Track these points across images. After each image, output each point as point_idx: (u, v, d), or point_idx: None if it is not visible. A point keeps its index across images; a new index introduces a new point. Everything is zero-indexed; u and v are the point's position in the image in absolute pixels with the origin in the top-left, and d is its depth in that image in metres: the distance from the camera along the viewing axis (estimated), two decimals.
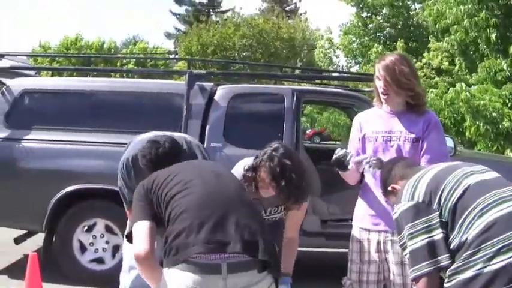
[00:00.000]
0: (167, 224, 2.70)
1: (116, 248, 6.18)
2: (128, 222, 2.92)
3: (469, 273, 2.39)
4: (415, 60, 16.93)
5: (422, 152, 3.59)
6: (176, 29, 46.86)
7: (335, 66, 22.86)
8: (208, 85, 6.55)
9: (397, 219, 2.70)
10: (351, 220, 3.84)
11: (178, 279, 2.54)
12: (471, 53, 11.20)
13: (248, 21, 30.96)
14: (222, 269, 2.53)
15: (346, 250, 3.83)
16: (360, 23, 20.79)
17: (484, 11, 9.85)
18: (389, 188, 3.06)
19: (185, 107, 6.21)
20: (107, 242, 6.22)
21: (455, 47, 10.86)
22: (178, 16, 46.60)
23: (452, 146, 6.01)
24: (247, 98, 6.62)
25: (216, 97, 6.41)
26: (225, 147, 6.17)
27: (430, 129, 3.61)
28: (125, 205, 3.98)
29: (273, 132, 6.25)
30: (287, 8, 46.61)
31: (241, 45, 29.19)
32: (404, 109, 3.66)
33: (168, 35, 47.45)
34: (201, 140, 6.09)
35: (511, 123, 9.38)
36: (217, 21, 36.11)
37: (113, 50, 39.78)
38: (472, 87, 10.48)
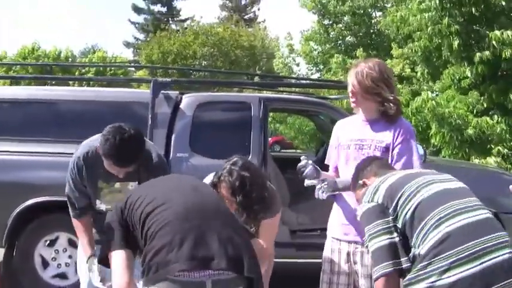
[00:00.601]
0: (145, 242, 2.56)
1: None
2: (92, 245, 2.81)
3: (421, 285, 2.39)
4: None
5: (392, 161, 3.52)
6: (135, 38, 46.56)
7: (296, 75, 22.90)
8: (173, 93, 6.40)
9: (360, 219, 2.74)
10: (321, 230, 3.77)
11: None
12: (434, 60, 11.28)
13: (207, 29, 30.85)
14: (207, 287, 2.41)
15: (320, 260, 3.74)
16: (321, 31, 20.86)
17: (447, 18, 9.92)
18: (361, 182, 3.05)
19: (150, 116, 6.04)
20: (70, 257, 6.00)
21: (419, 54, 10.91)
22: (137, 25, 46.26)
23: (423, 153, 5.99)
24: (214, 107, 6.50)
25: (181, 106, 6.27)
26: (191, 157, 6.02)
27: (400, 138, 3.54)
28: (71, 213, 3.80)
29: (240, 141, 6.19)
30: (246, 17, 46.70)
31: (202, 54, 29.07)
32: (378, 117, 3.60)
33: (127, 44, 47.08)
34: (167, 150, 5.95)
35: (475, 131, 9.46)
36: (178, 30, 35.97)
37: (70, 59, 39.27)
38: (435, 94, 10.55)
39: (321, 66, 21.88)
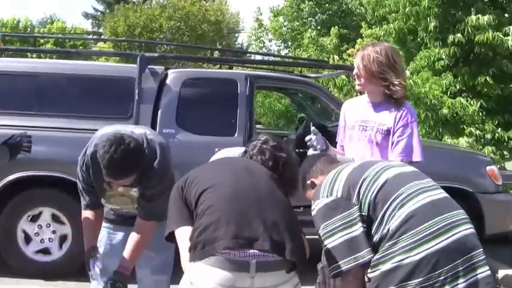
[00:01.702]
0: (195, 219, 2.58)
1: (63, 238, 5.95)
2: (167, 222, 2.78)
3: (389, 265, 2.41)
4: (346, 46, 17.03)
5: (392, 144, 3.57)
6: (94, 9, 45.64)
7: (267, 50, 22.84)
8: (159, 69, 6.34)
9: (315, 216, 2.65)
10: (304, 207, 3.75)
11: (207, 274, 2.43)
12: (408, 42, 11.38)
13: (174, 2, 30.49)
14: (251, 267, 2.42)
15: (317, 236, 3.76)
16: (293, 5, 20.77)
17: (426, 0, 9.98)
18: (308, 182, 2.98)
19: (136, 91, 5.97)
20: (53, 232, 5.95)
21: (393, 35, 10.98)
22: None
23: None
24: (200, 83, 6.47)
25: (167, 81, 6.22)
26: (178, 133, 5.99)
27: (402, 121, 3.57)
28: (82, 204, 3.71)
29: (227, 118, 6.20)
30: None
31: (168, 28, 28.76)
32: (383, 100, 3.63)
33: (86, 15, 46.11)
34: (153, 126, 5.90)
35: (449, 111, 9.60)
36: (145, 1, 35.46)
37: (29, 29, 38.39)
38: (409, 75, 10.66)
39: (289, 43, 21.83)
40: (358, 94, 4.43)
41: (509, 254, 7.26)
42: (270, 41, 23.35)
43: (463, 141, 9.64)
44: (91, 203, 3.63)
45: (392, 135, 3.56)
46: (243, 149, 3.33)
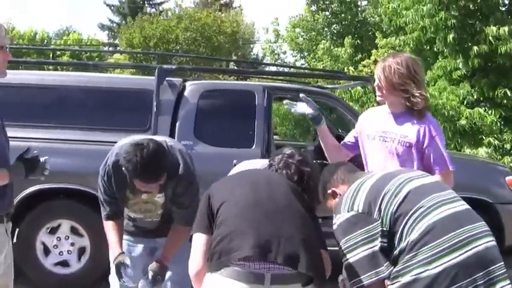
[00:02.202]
0: (214, 229, 2.61)
1: (82, 250, 5.97)
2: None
3: (408, 277, 2.40)
4: (360, 56, 16.99)
5: (425, 162, 3.55)
6: (110, 20, 45.94)
7: (282, 61, 22.80)
8: (177, 81, 6.36)
9: (336, 230, 2.63)
10: (322, 218, 3.74)
11: (222, 285, 2.45)
12: (425, 51, 11.34)
13: (191, 14, 30.59)
14: (265, 279, 2.43)
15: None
16: (309, 17, 20.83)
17: (443, 12, 9.96)
18: (329, 191, 2.94)
19: (155, 103, 6.00)
20: (72, 244, 5.98)
21: (411, 45, 10.94)
22: (112, 7, 45.61)
23: None
24: (218, 95, 6.48)
25: (185, 93, 6.24)
26: (195, 145, 5.98)
27: (428, 137, 3.54)
28: (102, 214, 3.72)
29: (244, 130, 6.20)
30: (222, 1, 46.41)
31: (184, 39, 28.85)
32: (404, 111, 3.62)
33: (102, 27, 46.41)
34: (171, 137, 5.90)
35: (467, 121, 9.55)
36: (161, 13, 35.62)
37: (46, 41, 38.64)
38: (426, 84, 10.65)
39: (305, 53, 21.82)
40: (375, 105, 4.43)
41: None
42: (285, 53, 23.37)
43: (482, 152, 9.59)
44: (112, 213, 3.65)
45: (416, 149, 3.54)
46: (262, 161, 3.33)
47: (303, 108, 3.80)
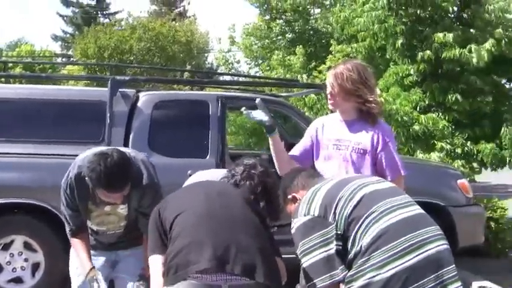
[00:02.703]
0: (169, 244, 2.60)
1: (36, 266, 5.85)
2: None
3: (361, 281, 2.43)
4: (315, 63, 17.12)
5: (378, 167, 3.60)
6: (63, 31, 45.39)
7: (235, 70, 22.85)
8: (131, 92, 6.32)
9: (293, 234, 2.66)
10: (278, 226, 3.76)
11: None
12: (377, 59, 11.51)
13: (144, 24, 30.41)
14: None
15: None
16: (263, 26, 20.94)
17: (393, 18, 10.13)
18: (290, 197, 2.97)
19: (108, 115, 5.95)
20: (25, 260, 5.85)
21: (363, 53, 11.09)
22: (65, 18, 45.06)
23: None
24: (171, 105, 6.45)
25: (139, 104, 6.20)
26: (150, 156, 5.76)
27: (381, 142, 3.59)
28: (66, 230, 3.69)
29: (199, 140, 6.17)
30: (176, 11, 46.31)
31: (139, 49, 28.66)
32: (356, 118, 3.66)
33: (55, 37, 45.81)
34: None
35: (420, 126, 9.71)
36: (114, 24, 35.32)
37: None
38: (379, 92, 10.78)
39: (260, 61, 21.92)
40: (329, 112, 4.46)
41: (482, 266, 7.35)
42: (238, 62, 23.44)
43: (434, 156, 9.74)
44: (76, 228, 3.63)
45: (371, 156, 3.58)
46: (217, 171, 3.34)
47: (259, 115, 3.76)
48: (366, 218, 2.51)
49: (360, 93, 3.59)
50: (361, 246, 2.47)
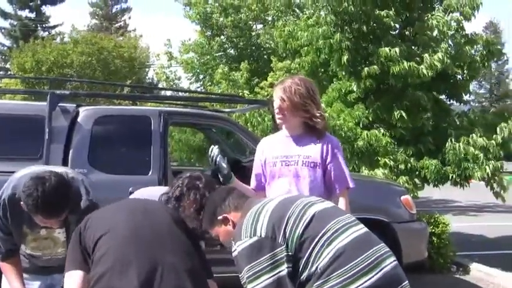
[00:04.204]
0: (92, 266, 2.49)
1: None
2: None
3: None
4: (257, 79, 17.18)
5: (326, 178, 3.59)
6: (1, 44, 44.39)
7: (176, 86, 22.69)
8: (71, 106, 6.14)
9: (236, 258, 2.54)
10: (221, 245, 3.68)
11: None
12: (320, 74, 11.55)
13: (87, 38, 29.92)
14: None
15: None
16: (204, 42, 20.91)
17: (338, 34, 10.15)
18: (220, 217, 2.79)
19: (47, 130, 5.75)
20: None
21: (306, 68, 11.10)
22: (3, 30, 44.06)
23: None
24: (113, 120, 6.30)
25: (79, 119, 6.01)
26: (90, 173, 5.72)
27: (330, 154, 3.58)
28: None
29: (140, 156, 6.05)
30: (116, 25, 45.96)
31: (79, 63, 28.13)
32: (303, 132, 3.64)
33: None
34: (64, 166, 5.66)
35: (364, 142, 9.74)
36: (55, 36, 34.67)
37: None
38: (324, 107, 10.79)
39: (201, 76, 21.82)
40: (271, 130, 4.42)
41: (427, 283, 7.42)
42: (179, 78, 23.27)
43: (379, 173, 9.79)
44: (8, 252, 3.46)
45: (322, 168, 3.56)
46: (160, 188, 3.23)
47: (222, 164, 3.67)
48: (320, 238, 2.45)
49: (308, 108, 3.59)
50: (316, 267, 2.40)
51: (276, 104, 3.65)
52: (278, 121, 3.70)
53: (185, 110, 7.31)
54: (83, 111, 6.10)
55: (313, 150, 3.59)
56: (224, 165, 3.66)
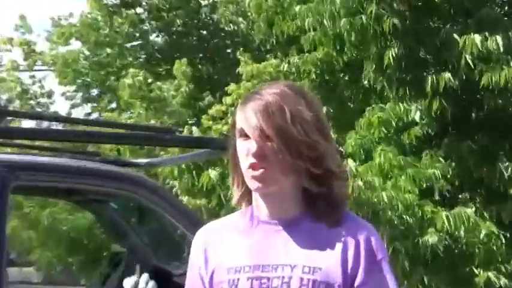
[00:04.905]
0: None
1: None
2: None
3: None
4: (208, 97, 12.41)
5: None
6: None
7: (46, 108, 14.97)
8: None
9: None
10: None
11: None
12: (341, 87, 8.96)
13: None
14: None
15: None
16: (100, 18, 12.49)
17: (374, 4, 6.05)
18: None
19: None
20: None
21: (310, 76, 8.17)
22: None
23: None
24: None
25: None
26: None
27: (364, 264, 1.65)
28: None
29: None
30: None
31: None
32: (302, 212, 1.70)
33: None
34: None
35: (441, 236, 6.67)
36: None
37: None
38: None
39: (94, 91, 15.85)
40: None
41: None
42: (50, 95, 15.08)
43: None
44: None
45: None
46: None
47: None
48: None
49: (315, 154, 1.68)
50: None
51: (248, 147, 1.64)
52: (254, 186, 1.65)
53: (50, 158, 3.85)
54: None
55: (326, 256, 1.67)
56: None
